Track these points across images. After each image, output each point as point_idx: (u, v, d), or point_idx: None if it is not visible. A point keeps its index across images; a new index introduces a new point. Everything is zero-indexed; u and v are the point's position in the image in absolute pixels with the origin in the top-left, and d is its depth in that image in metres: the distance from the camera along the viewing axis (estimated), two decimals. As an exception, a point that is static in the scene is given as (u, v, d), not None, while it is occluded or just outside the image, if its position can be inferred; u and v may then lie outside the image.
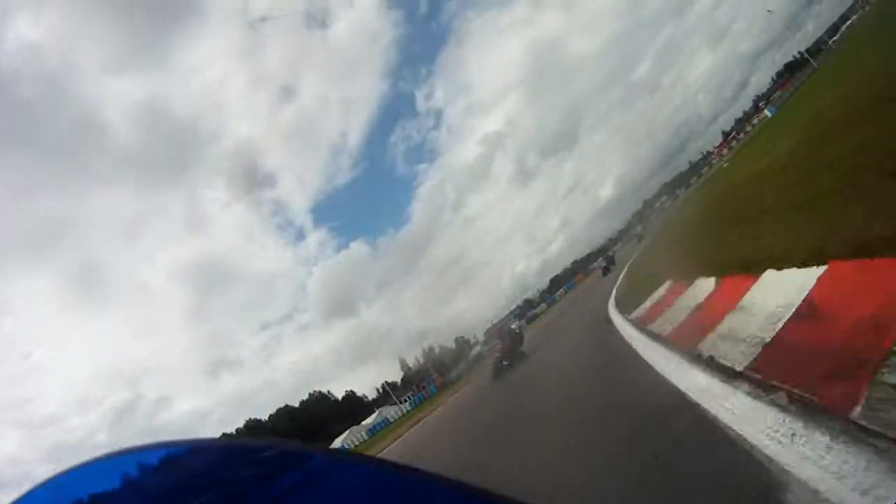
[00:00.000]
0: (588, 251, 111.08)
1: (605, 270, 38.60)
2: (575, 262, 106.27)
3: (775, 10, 69.16)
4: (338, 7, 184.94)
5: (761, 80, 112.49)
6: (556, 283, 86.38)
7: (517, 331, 19.30)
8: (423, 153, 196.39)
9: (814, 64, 55.70)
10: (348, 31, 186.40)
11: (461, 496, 0.57)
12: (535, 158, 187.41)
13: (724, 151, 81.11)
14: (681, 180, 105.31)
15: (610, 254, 53.83)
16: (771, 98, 77.98)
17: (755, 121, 72.54)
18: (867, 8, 51.60)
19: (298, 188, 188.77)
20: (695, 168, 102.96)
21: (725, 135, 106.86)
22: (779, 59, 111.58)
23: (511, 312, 77.93)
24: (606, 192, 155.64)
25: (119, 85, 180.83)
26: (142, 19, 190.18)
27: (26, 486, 0.60)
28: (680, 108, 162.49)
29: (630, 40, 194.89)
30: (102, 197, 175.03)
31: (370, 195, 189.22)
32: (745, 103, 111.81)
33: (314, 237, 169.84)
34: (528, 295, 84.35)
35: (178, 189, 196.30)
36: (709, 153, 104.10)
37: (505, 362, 15.86)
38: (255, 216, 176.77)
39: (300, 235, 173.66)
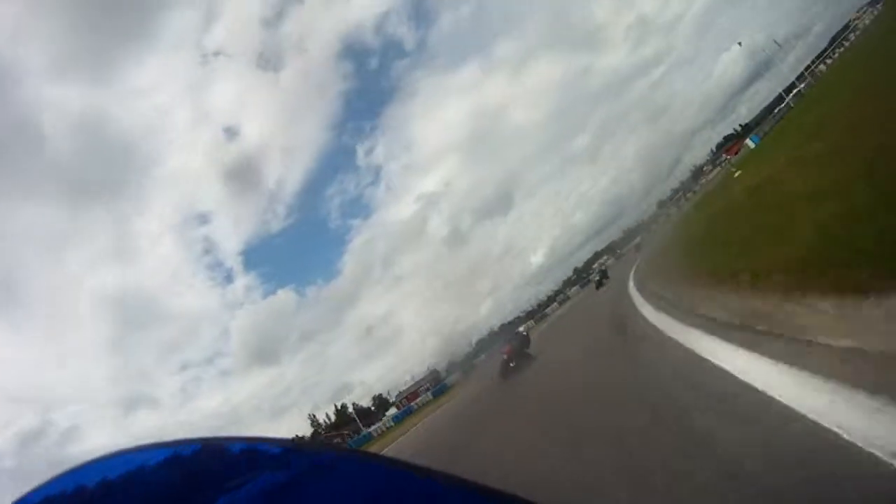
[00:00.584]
0: (516, 315, 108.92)
1: (599, 284, 39.78)
2: (503, 326, 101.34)
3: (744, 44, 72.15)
4: (291, 52, 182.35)
5: (696, 155, 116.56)
6: (482, 346, 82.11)
7: (524, 334, 20.10)
8: (359, 208, 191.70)
9: (790, 104, 55.41)
10: (298, 78, 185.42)
11: (467, 494, 0.57)
12: (470, 221, 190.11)
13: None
14: (616, 246, 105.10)
15: (603, 268, 54.52)
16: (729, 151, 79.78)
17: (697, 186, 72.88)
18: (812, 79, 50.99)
19: (232, 229, 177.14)
20: (631, 234, 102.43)
21: (661, 203, 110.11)
22: (714, 136, 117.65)
23: (428, 375, 75.12)
24: (538, 258, 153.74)
25: (55, 91, 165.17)
26: (93, 26, 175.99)
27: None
28: (615, 181, 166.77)
29: (571, 113, 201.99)
30: (20, 210, 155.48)
31: (302, 244, 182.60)
32: (683, 174, 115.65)
33: (242, 281, 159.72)
34: (454, 357, 79.26)
35: (106, 213, 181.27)
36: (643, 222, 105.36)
37: (511, 364, 16.18)
38: (184, 252, 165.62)
39: (229, 278, 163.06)
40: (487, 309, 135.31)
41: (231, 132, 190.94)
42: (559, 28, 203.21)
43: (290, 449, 0.64)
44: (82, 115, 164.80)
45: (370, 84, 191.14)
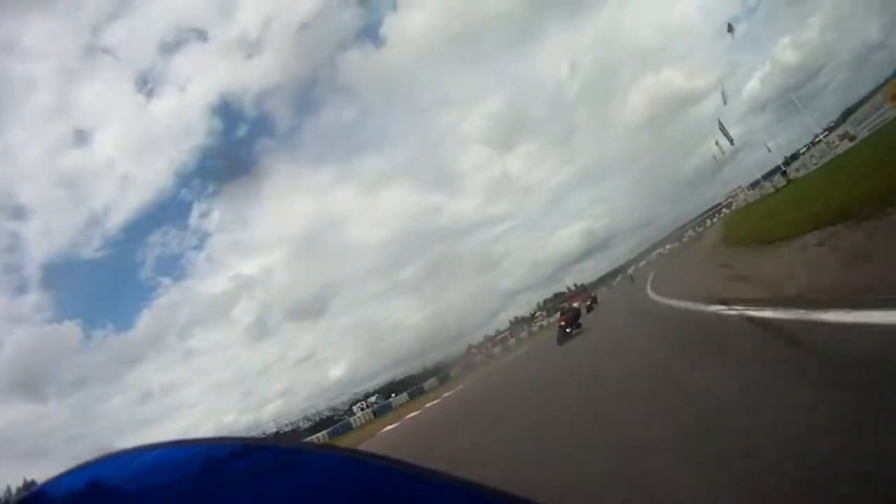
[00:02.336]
0: (302, 426, 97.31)
1: (589, 308, 43.37)
2: (278, 433, 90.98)
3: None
4: (170, 84, 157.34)
5: (516, 311, 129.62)
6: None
7: (577, 307, 24.34)
8: (174, 267, 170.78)
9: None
10: (167, 112, 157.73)
11: (462, 493, 0.57)
12: (278, 317, 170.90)
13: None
14: (413, 381, 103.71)
15: (593, 294, 58.74)
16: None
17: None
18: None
19: (40, 237, 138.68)
20: (433, 372, 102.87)
21: (470, 346, 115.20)
22: (535, 297, 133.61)
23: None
24: (337, 372, 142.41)
25: None
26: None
27: None
28: (431, 317, 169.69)
29: (407, 243, 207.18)
30: None
31: (105, 283, 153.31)
32: (500, 324, 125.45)
33: (33, 296, 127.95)
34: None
35: None
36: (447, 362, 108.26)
37: (568, 330, 19.35)
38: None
39: (20, 288, 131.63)
40: (272, 410, 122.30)
41: (81, 136, 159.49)
42: (424, 164, 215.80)
43: (283, 449, 0.65)
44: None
45: (230, 148, 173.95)
